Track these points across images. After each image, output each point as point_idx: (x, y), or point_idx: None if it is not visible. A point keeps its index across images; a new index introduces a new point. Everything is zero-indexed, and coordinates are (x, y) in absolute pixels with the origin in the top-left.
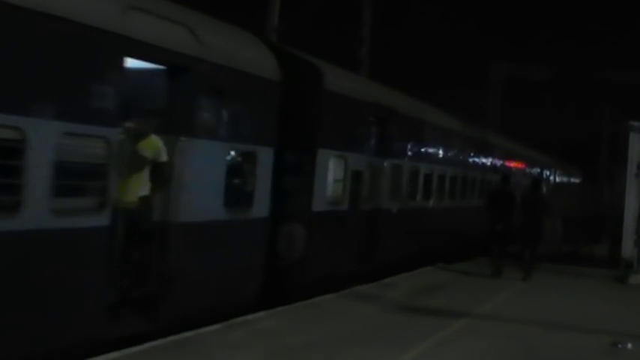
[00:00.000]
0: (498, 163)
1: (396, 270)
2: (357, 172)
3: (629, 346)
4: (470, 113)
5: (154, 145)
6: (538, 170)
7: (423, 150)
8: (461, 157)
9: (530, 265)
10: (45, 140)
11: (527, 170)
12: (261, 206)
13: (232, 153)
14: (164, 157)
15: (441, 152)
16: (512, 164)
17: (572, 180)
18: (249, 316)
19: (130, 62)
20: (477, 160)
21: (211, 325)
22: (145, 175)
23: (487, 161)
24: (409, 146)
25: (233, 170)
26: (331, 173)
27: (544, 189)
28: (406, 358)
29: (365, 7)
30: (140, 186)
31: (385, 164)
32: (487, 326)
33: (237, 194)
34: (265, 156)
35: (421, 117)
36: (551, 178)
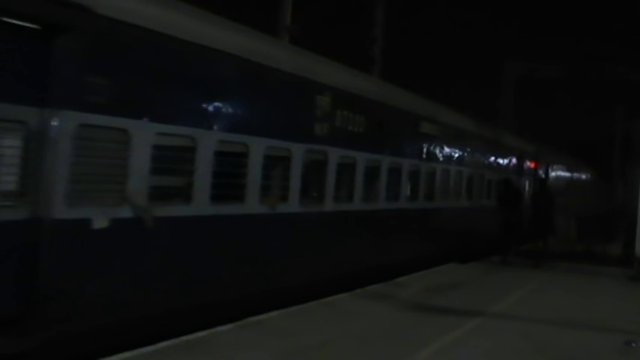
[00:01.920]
0: (444, 149)
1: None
2: None
3: None
4: (483, 113)
5: None
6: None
7: (238, 112)
8: (361, 134)
9: (541, 255)
10: None
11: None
12: None
13: None
14: None
15: (307, 121)
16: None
17: (577, 175)
18: (262, 316)
19: None
20: (394, 141)
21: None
22: None
23: (423, 146)
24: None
25: None
26: None
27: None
28: (421, 357)
29: (377, 7)
30: None
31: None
32: (501, 325)
33: None
34: None
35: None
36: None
